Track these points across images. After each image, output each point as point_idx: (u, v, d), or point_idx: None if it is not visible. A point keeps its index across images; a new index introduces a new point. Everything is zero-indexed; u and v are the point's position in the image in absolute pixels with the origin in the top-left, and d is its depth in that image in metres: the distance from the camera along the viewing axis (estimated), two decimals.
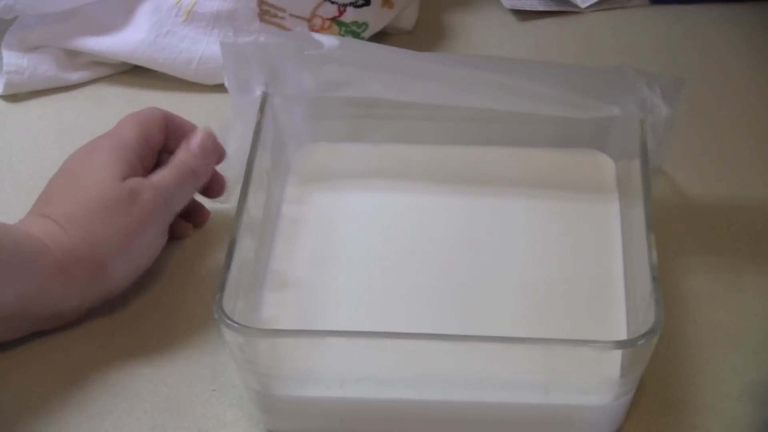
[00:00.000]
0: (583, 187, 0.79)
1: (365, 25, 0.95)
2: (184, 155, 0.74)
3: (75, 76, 0.96)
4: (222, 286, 0.64)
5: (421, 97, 0.78)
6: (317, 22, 0.94)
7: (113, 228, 0.70)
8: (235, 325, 0.62)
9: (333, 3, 0.94)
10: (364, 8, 0.95)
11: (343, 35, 0.95)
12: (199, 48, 0.93)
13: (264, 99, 0.77)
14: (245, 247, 0.69)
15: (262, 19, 0.93)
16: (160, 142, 0.76)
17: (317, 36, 0.76)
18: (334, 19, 0.94)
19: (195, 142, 0.75)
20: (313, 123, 0.82)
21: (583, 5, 1.02)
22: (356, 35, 0.95)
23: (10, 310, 0.67)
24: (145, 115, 0.76)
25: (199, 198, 0.79)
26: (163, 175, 0.73)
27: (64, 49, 0.95)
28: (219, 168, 0.78)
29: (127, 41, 0.94)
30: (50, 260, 0.67)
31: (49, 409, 0.70)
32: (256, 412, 0.69)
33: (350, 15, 0.94)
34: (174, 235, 0.78)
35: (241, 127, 0.77)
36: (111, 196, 0.70)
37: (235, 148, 0.77)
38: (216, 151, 0.76)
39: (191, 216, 0.80)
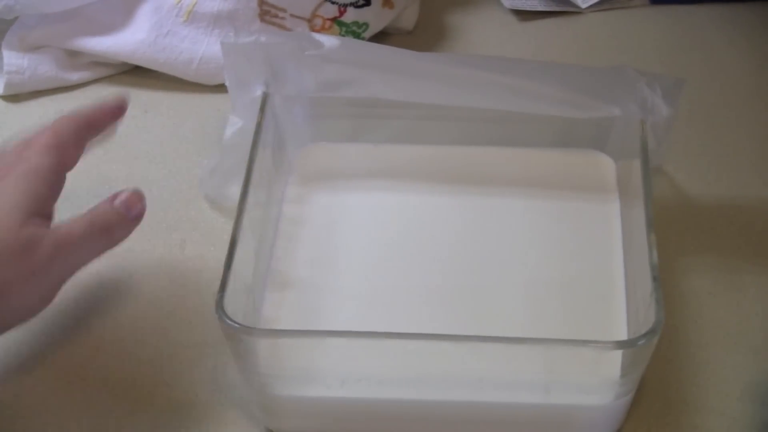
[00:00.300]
0: (584, 187, 0.79)
1: (366, 25, 0.95)
2: (104, 208, 0.66)
3: (75, 77, 0.96)
4: (222, 286, 0.64)
5: (421, 97, 0.78)
6: (318, 22, 0.94)
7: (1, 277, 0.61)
8: (236, 325, 0.62)
9: (333, 3, 0.94)
10: (365, 8, 0.95)
11: (343, 35, 0.95)
12: (199, 48, 0.93)
13: (264, 99, 0.77)
14: (246, 247, 0.69)
15: (262, 20, 0.93)
16: (76, 161, 0.68)
17: (318, 36, 0.76)
18: (334, 20, 0.94)
19: (121, 198, 0.67)
20: (314, 123, 0.82)
21: (584, 5, 1.02)
22: (357, 35, 0.95)
23: None
24: (60, 135, 0.67)
25: None
26: (71, 228, 0.64)
27: (64, 50, 0.95)
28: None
29: (127, 41, 0.94)
30: None
31: (49, 410, 0.70)
32: (256, 412, 0.69)
33: (351, 15, 0.94)
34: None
35: (240, 124, 0.77)
36: (7, 240, 0.61)
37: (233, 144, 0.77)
38: (139, 217, 0.67)
39: None
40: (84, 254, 0.65)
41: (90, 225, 0.64)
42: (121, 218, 0.66)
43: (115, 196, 0.67)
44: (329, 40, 0.77)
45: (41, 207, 0.63)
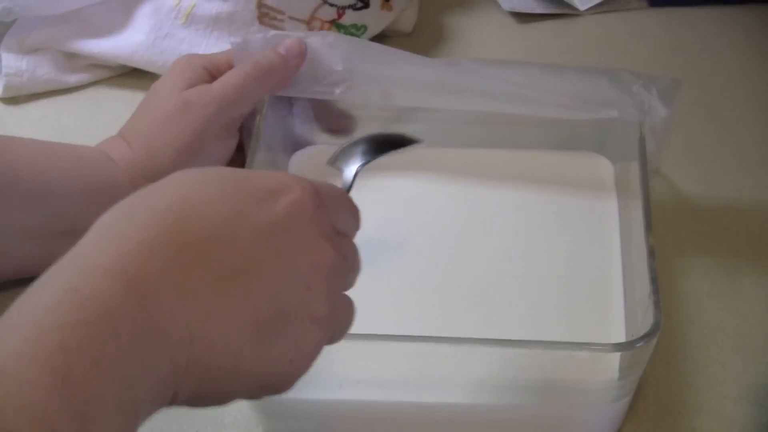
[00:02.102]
0: (582, 189, 0.79)
1: (364, 27, 0.95)
2: (268, 53, 0.74)
3: (74, 79, 0.96)
4: None
5: (421, 101, 0.78)
6: (316, 24, 0.94)
7: (168, 137, 0.72)
8: None
9: (332, 6, 0.94)
10: (363, 11, 0.95)
11: None
12: (198, 50, 0.93)
13: (264, 100, 0.76)
14: None
15: (261, 22, 0.93)
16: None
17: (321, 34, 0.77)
18: (333, 22, 0.94)
19: (285, 45, 0.74)
20: (313, 124, 0.82)
21: (582, 8, 1.02)
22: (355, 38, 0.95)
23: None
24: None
25: None
26: (226, 78, 0.73)
27: (63, 52, 0.95)
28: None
29: (126, 43, 0.94)
30: (115, 172, 0.70)
31: None
32: (254, 414, 0.69)
33: (349, 18, 0.94)
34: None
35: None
36: (167, 108, 0.72)
37: None
38: (300, 55, 0.75)
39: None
40: (245, 97, 0.73)
41: (254, 67, 0.73)
42: (283, 61, 0.73)
43: (278, 46, 0.74)
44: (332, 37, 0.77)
45: (198, 80, 0.73)
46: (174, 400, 0.45)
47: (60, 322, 0.39)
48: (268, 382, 0.48)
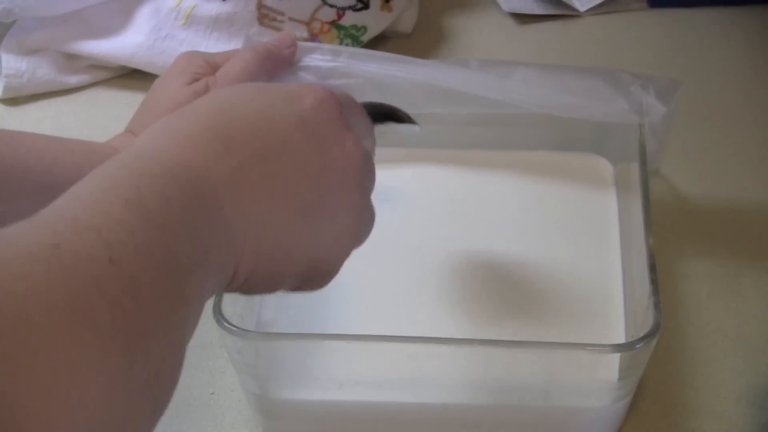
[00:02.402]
0: (582, 190, 0.79)
1: (364, 28, 0.95)
2: (262, 43, 0.75)
3: (74, 80, 0.96)
4: None
5: (422, 105, 0.78)
6: (316, 25, 0.94)
7: None
8: (234, 328, 0.62)
9: (332, 6, 0.94)
10: (363, 12, 0.95)
11: (342, 38, 0.95)
12: None
13: None
14: None
15: (261, 23, 0.93)
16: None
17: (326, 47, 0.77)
18: (333, 23, 0.94)
19: (275, 37, 0.76)
20: None
21: (582, 9, 1.02)
22: (355, 39, 0.95)
23: None
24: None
25: None
26: (228, 67, 0.73)
27: (62, 53, 0.95)
28: None
29: (126, 44, 0.94)
30: None
31: None
32: (254, 415, 0.69)
33: (349, 18, 0.94)
34: None
35: None
36: (177, 101, 0.72)
37: None
38: (293, 45, 0.76)
39: None
40: (250, 81, 0.72)
41: (252, 53, 0.73)
42: (277, 50, 0.74)
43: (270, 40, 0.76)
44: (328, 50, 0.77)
45: (202, 74, 0.73)
46: (232, 282, 0.47)
47: (137, 195, 0.42)
48: (316, 263, 0.51)
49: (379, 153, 0.82)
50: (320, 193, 0.50)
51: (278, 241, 0.48)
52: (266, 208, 0.47)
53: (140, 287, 0.38)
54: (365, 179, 0.54)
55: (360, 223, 0.54)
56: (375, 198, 0.72)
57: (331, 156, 0.51)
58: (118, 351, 0.37)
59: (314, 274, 0.52)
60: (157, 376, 0.40)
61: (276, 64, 0.76)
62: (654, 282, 0.63)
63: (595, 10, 1.02)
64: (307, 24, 0.94)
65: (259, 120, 0.49)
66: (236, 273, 0.47)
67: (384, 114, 0.68)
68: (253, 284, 0.49)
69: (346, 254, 0.54)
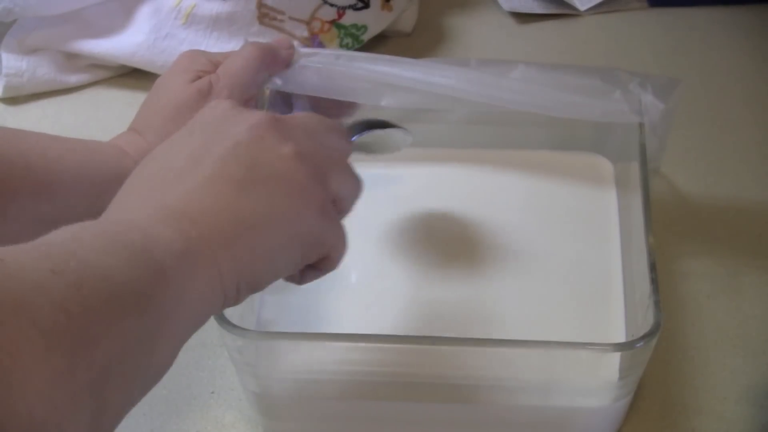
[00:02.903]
0: (583, 189, 0.79)
1: (364, 27, 0.95)
2: (256, 45, 0.75)
3: (74, 79, 0.96)
4: None
5: (422, 103, 0.78)
6: (316, 24, 0.94)
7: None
8: (234, 327, 0.62)
9: (332, 6, 0.94)
10: (364, 11, 0.95)
11: (342, 38, 0.95)
12: None
13: (263, 96, 0.76)
14: None
15: (261, 22, 0.93)
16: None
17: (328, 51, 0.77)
18: (333, 22, 0.94)
19: (274, 38, 0.77)
20: None
21: (582, 8, 1.02)
22: (355, 38, 0.95)
23: None
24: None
25: None
26: (229, 65, 0.73)
27: (63, 52, 0.95)
28: None
29: (126, 44, 0.94)
30: (129, 164, 0.70)
31: None
32: (254, 414, 0.69)
33: (349, 18, 0.94)
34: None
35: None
36: (180, 99, 0.72)
37: None
38: (291, 48, 0.76)
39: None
40: (247, 80, 0.73)
41: (252, 49, 0.74)
42: (275, 50, 0.75)
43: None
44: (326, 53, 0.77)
45: (204, 72, 0.73)
46: (228, 296, 0.51)
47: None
48: (292, 229, 0.53)
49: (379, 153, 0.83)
50: (249, 167, 0.52)
51: (242, 238, 0.51)
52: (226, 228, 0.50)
53: (86, 296, 0.41)
54: (295, 171, 0.54)
55: (307, 167, 0.55)
56: (376, 197, 0.72)
57: (262, 166, 0.53)
58: (62, 351, 0.40)
59: (302, 240, 0.54)
60: (100, 383, 0.42)
61: (275, 62, 0.76)
62: (654, 281, 0.63)
63: (595, 9, 1.02)
64: (308, 23, 0.94)
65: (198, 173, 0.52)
66: (225, 288, 0.50)
67: (375, 124, 0.71)
68: (252, 284, 0.51)
69: (313, 216, 0.54)
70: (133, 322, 0.43)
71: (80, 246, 0.44)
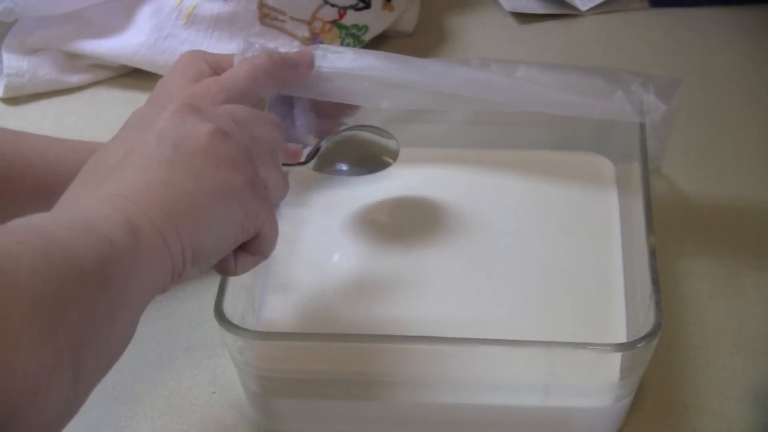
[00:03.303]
0: (583, 189, 0.79)
1: (365, 27, 0.95)
2: (277, 51, 0.75)
3: (75, 79, 0.96)
4: (222, 289, 0.64)
5: (423, 104, 0.78)
6: (317, 25, 0.94)
7: None
8: (235, 327, 0.62)
9: (333, 6, 0.94)
10: (365, 11, 0.95)
11: (343, 38, 0.95)
12: None
13: (265, 99, 0.76)
14: None
15: (262, 22, 0.93)
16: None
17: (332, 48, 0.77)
18: (334, 22, 0.94)
19: (296, 50, 0.77)
20: (314, 125, 0.82)
21: (584, 8, 1.02)
22: (356, 38, 0.95)
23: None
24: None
25: None
26: (235, 69, 0.74)
27: (64, 52, 0.95)
28: None
29: (127, 44, 0.94)
30: None
31: None
32: (255, 414, 0.69)
33: (350, 18, 0.94)
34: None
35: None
36: (177, 99, 0.71)
37: None
38: (310, 66, 0.76)
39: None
40: (254, 87, 0.73)
41: (265, 59, 0.74)
42: (294, 63, 0.75)
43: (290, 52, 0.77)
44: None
45: (203, 75, 0.74)
46: (178, 266, 0.52)
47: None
48: (225, 197, 0.55)
49: None
50: (174, 144, 0.55)
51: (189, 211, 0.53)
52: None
53: (53, 263, 0.44)
54: (218, 146, 0.56)
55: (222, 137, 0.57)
56: (377, 197, 0.72)
57: (185, 145, 0.55)
58: (44, 311, 0.42)
59: (236, 216, 0.56)
60: (77, 344, 0.44)
61: (286, 79, 0.75)
62: (655, 281, 0.63)
63: (596, 10, 1.02)
64: (309, 23, 0.94)
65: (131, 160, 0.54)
66: (172, 255, 0.52)
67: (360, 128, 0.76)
68: (198, 250, 0.53)
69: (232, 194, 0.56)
70: (96, 289, 0.46)
71: (37, 225, 0.47)
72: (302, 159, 0.76)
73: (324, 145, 0.75)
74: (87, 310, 0.45)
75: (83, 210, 0.50)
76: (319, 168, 0.76)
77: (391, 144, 0.76)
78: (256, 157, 0.58)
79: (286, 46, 0.93)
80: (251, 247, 0.59)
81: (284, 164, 0.66)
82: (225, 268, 0.59)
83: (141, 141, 0.55)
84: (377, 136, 0.76)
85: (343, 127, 0.77)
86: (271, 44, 0.80)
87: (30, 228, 0.46)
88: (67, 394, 0.44)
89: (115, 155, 0.55)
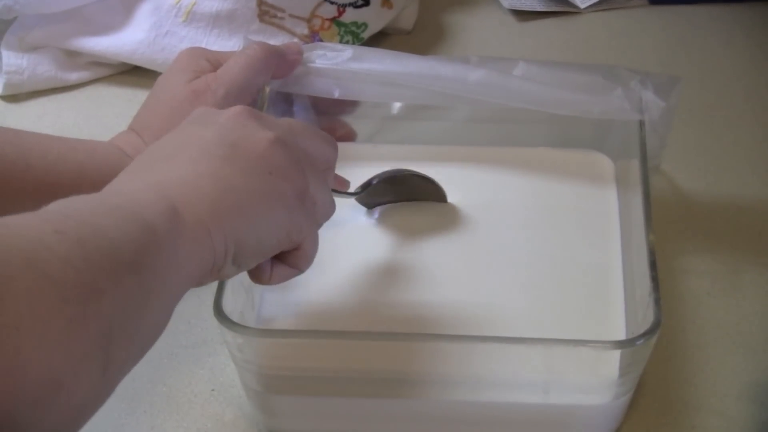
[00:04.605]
0: (583, 186, 0.79)
1: (365, 25, 0.95)
2: (262, 45, 0.76)
3: (74, 77, 0.96)
4: (220, 286, 0.64)
5: (422, 101, 0.78)
6: (317, 22, 0.94)
7: None
8: (234, 325, 0.62)
9: (332, 3, 0.94)
10: (364, 9, 0.95)
11: (342, 36, 0.95)
12: None
13: (263, 95, 0.76)
14: None
15: (261, 20, 0.93)
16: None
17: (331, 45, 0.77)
18: (333, 20, 0.94)
19: (284, 42, 0.79)
20: (314, 121, 0.82)
21: (583, 5, 1.02)
22: (355, 36, 0.95)
23: None
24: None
25: None
26: (230, 64, 0.74)
27: (63, 50, 0.95)
28: None
29: (126, 41, 0.94)
30: (128, 164, 0.70)
31: None
32: (255, 411, 0.69)
33: (350, 15, 0.94)
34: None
35: None
36: (176, 99, 0.73)
37: None
38: (299, 54, 0.77)
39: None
40: (252, 78, 0.74)
41: (257, 49, 0.74)
42: (282, 53, 0.76)
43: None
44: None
45: (202, 72, 0.74)
46: (218, 261, 0.53)
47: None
48: (273, 201, 0.55)
49: (380, 151, 0.83)
50: (232, 142, 0.56)
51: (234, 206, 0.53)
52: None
53: (88, 252, 0.44)
54: (274, 154, 0.57)
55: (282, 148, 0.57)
56: (375, 196, 0.72)
57: (243, 146, 0.56)
58: (74, 301, 0.42)
59: (281, 223, 0.56)
60: (107, 335, 0.44)
61: (279, 65, 0.76)
62: (654, 279, 0.63)
63: (595, 7, 1.02)
64: (308, 21, 0.94)
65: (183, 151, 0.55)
66: (214, 246, 0.52)
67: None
68: (240, 245, 0.53)
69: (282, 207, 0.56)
70: (132, 278, 0.45)
71: (76, 210, 0.47)
72: (350, 190, 0.75)
73: (375, 182, 0.75)
74: (120, 299, 0.45)
75: (129, 196, 0.51)
76: (365, 201, 0.76)
77: (440, 192, 0.77)
78: (309, 172, 0.59)
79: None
80: (289, 259, 0.59)
81: (334, 191, 0.65)
82: (260, 275, 0.59)
83: (198, 136, 0.56)
84: (427, 182, 0.77)
85: (395, 169, 0.77)
86: (271, 42, 0.79)
87: (69, 215, 0.46)
88: (95, 385, 0.44)
89: (170, 146, 0.56)
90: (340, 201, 0.66)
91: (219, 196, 0.53)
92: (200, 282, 0.53)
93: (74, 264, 0.43)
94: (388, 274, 0.74)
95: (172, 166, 0.54)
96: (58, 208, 0.47)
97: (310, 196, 0.58)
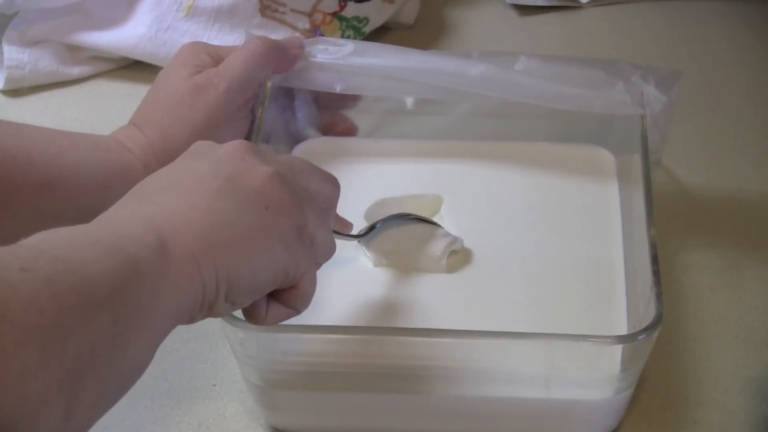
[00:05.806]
0: (584, 181, 0.79)
1: (366, 20, 0.95)
2: (264, 40, 0.75)
3: (76, 71, 0.96)
4: None
5: (423, 96, 0.78)
6: (318, 16, 0.94)
7: (181, 122, 0.72)
8: (236, 319, 0.62)
9: None
10: (365, 3, 0.95)
11: (343, 30, 0.95)
12: None
13: (266, 91, 0.76)
14: None
15: (263, 14, 0.93)
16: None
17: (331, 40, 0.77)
18: (335, 14, 0.94)
19: (285, 37, 0.79)
20: (315, 116, 0.82)
21: (584, 0, 1.02)
22: (357, 30, 0.95)
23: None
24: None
25: None
26: (232, 58, 0.74)
27: (64, 44, 0.95)
28: None
29: (128, 36, 0.94)
30: (130, 159, 0.71)
31: None
32: (256, 406, 0.69)
33: (351, 10, 0.94)
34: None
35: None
36: (178, 93, 0.73)
37: None
38: (300, 48, 0.77)
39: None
40: (253, 73, 0.74)
41: (258, 43, 0.74)
42: (284, 48, 0.76)
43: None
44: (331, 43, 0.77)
45: (203, 67, 0.74)
46: (207, 299, 0.51)
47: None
48: (269, 237, 0.54)
49: (381, 146, 0.83)
50: (229, 175, 0.55)
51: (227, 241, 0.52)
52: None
53: (57, 291, 0.42)
54: (272, 189, 0.56)
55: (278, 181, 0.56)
56: (376, 191, 0.72)
57: (239, 179, 0.55)
58: (33, 345, 0.41)
59: (277, 259, 0.55)
60: (73, 378, 0.42)
61: (281, 60, 0.75)
62: (656, 273, 0.63)
63: (596, 2, 1.02)
64: (309, 15, 0.94)
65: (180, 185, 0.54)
66: (204, 280, 0.50)
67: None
68: (232, 281, 0.52)
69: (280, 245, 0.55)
70: (106, 315, 0.44)
71: (51, 245, 0.45)
72: (353, 232, 0.73)
73: (379, 226, 0.74)
74: (91, 338, 0.43)
75: (115, 226, 0.50)
76: (367, 243, 0.74)
77: (447, 240, 0.74)
78: (309, 209, 0.58)
79: None
80: (286, 299, 0.58)
81: (335, 232, 0.64)
82: (255, 314, 0.57)
83: (194, 168, 0.55)
84: (432, 227, 0.75)
85: (399, 213, 0.75)
86: (272, 36, 0.79)
87: (44, 249, 0.44)
88: (57, 429, 0.42)
89: (165, 179, 0.55)
90: (341, 243, 0.65)
91: (210, 228, 0.51)
92: (191, 319, 0.51)
93: (38, 304, 0.41)
94: (389, 268, 0.74)
95: (165, 198, 0.53)
96: (35, 241, 0.45)
97: (308, 233, 0.57)
